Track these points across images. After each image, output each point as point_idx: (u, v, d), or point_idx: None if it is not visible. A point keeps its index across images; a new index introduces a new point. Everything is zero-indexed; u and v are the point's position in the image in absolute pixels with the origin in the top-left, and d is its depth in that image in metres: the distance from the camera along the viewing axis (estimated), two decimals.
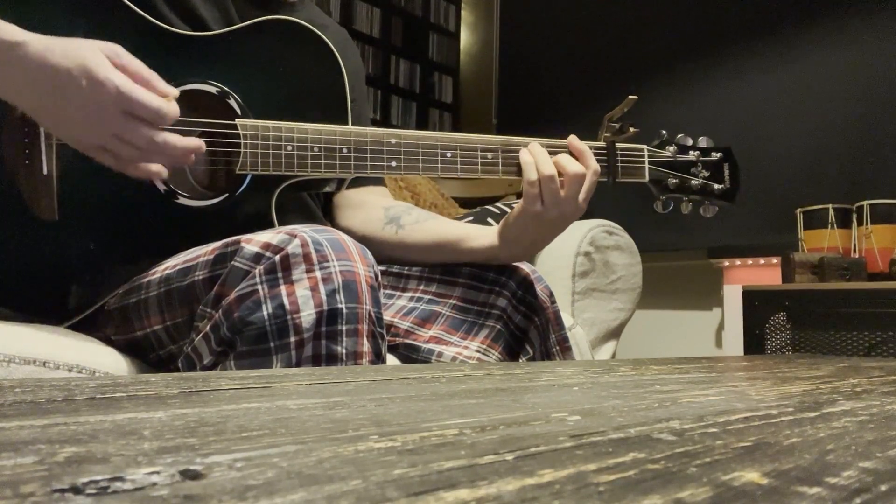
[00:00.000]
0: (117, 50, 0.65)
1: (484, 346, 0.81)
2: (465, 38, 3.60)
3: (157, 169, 0.67)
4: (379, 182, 1.00)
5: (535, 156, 0.79)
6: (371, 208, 0.94)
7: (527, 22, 3.24)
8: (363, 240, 0.68)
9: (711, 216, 0.92)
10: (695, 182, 0.90)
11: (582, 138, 0.85)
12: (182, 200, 0.75)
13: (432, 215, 0.91)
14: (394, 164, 0.79)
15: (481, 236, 0.84)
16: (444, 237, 0.87)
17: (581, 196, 0.79)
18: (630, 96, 0.85)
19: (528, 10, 3.23)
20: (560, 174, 0.79)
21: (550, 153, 0.80)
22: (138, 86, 0.64)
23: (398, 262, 0.94)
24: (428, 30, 3.44)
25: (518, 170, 0.82)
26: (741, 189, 0.93)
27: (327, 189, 0.89)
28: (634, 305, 1.49)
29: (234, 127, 0.74)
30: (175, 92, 0.67)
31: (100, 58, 0.63)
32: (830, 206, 1.82)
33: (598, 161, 0.84)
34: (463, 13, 3.61)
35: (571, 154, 0.82)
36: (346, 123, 0.82)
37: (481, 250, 0.84)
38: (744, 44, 2.44)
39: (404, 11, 3.32)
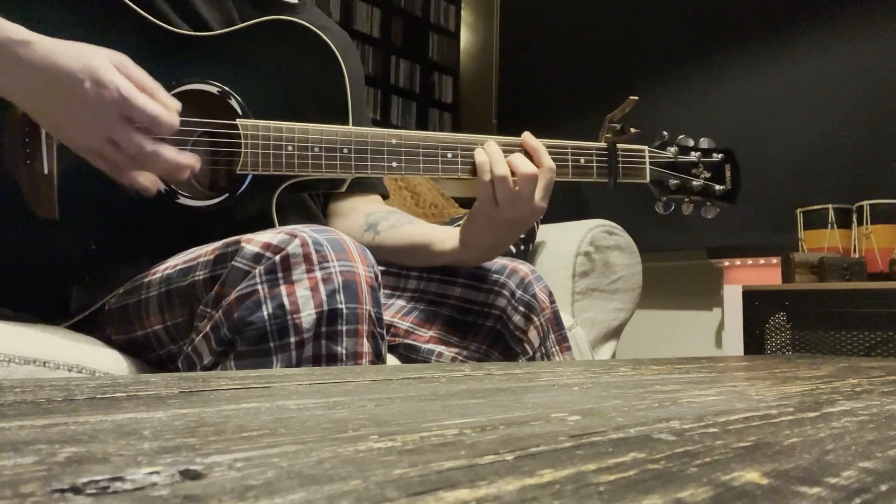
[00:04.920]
0: (123, 59, 0.66)
1: (484, 347, 0.81)
2: (465, 38, 3.60)
3: (146, 183, 0.67)
4: (371, 190, 0.99)
5: (490, 155, 0.77)
6: (356, 215, 0.95)
7: (527, 22, 3.24)
8: None
9: (712, 217, 0.92)
10: (696, 183, 0.90)
11: (582, 138, 0.85)
12: (183, 200, 0.75)
13: (410, 219, 0.91)
14: (394, 164, 0.79)
15: (447, 240, 0.84)
16: (414, 241, 0.87)
17: (538, 195, 0.77)
18: (631, 97, 0.85)
19: (528, 10, 3.23)
20: (513, 174, 0.76)
21: (506, 152, 0.78)
22: (140, 92, 0.64)
23: (383, 266, 0.94)
24: (428, 30, 3.44)
25: None
26: (742, 190, 0.93)
27: (329, 189, 0.89)
28: (634, 305, 1.49)
29: (235, 127, 0.74)
30: (177, 104, 0.67)
31: (106, 62, 0.64)
32: (830, 206, 1.82)
33: (600, 162, 0.84)
34: (463, 13, 3.61)
35: (526, 153, 0.79)
36: (347, 124, 0.82)
37: (446, 254, 0.83)
38: (744, 44, 2.44)
39: (404, 11, 3.32)
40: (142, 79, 0.66)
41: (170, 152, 0.66)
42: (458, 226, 0.84)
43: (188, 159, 0.67)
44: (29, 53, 0.62)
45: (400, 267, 0.93)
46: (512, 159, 0.77)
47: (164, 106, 0.65)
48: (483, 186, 0.76)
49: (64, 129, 0.66)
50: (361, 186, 0.98)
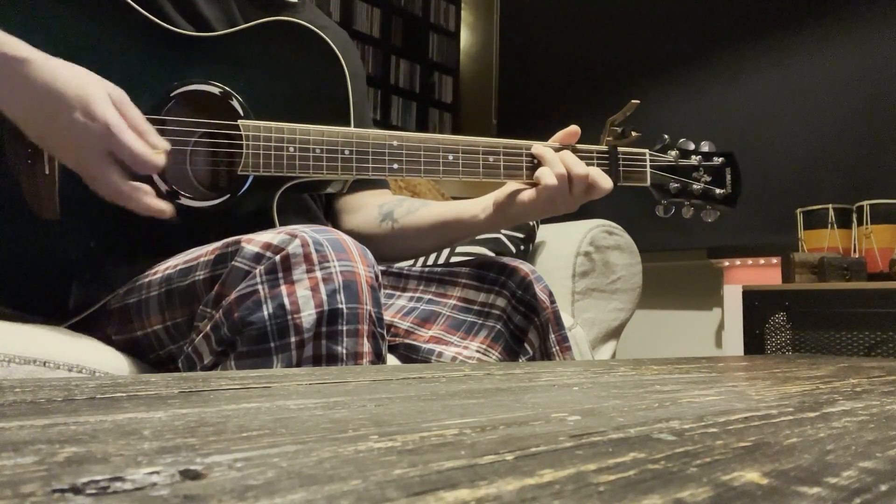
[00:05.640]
0: (121, 95, 0.66)
1: (484, 347, 0.81)
2: (465, 38, 3.60)
3: (160, 206, 0.67)
4: (379, 185, 1.00)
5: (568, 160, 0.81)
6: (368, 209, 0.96)
7: (527, 22, 3.24)
8: (363, 240, 0.68)
9: (713, 221, 0.92)
10: (696, 187, 0.90)
11: (582, 140, 0.86)
12: (184, 201, 0.75)
13: (423, 202, 0.93)
14: (395, 166, 0.79)
15: (477, 210, 0.87)
16: (438, 219, 0.89)
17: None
18: (632, 101, 0.86)
19: (528, 10, 3.23)
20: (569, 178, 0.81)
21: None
22: (129, 130, 0.64)
23: (401, 256, 0.95)
24: (428, 30, 3.44)
25: (523, 173, 0.82)
26: (742, 192, 0.93)
27: (329, 190, 0.89)
28: (634, 305, 1.49)
29: (237, 128, 0.74)
30: (166, 145, 0.67)
31: (102, 95, 0.64)
32: (830, 206, 1.82)
33: (600, 165, 0.85)
34: (463, 13, 3.61)
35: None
36: (349, 125, 0.82)
37: (480, 224, 0.87)
38: (744, 45, 2.44)
39: (404, 11, 3.32)
40: (135, 117, 0.66)
41: (145, 198, 0.66)
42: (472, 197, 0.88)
43: (162, 206, 0.67)
44: (26, 72, 0.62)
45: (400, 267, 0.93)
46: (591, 170, 0.82)
47: (150, 146, 0.65)
48: (560, 185, 0.80)
49: (50, 149, 0.67)
50: (369, 182, 0.98)
